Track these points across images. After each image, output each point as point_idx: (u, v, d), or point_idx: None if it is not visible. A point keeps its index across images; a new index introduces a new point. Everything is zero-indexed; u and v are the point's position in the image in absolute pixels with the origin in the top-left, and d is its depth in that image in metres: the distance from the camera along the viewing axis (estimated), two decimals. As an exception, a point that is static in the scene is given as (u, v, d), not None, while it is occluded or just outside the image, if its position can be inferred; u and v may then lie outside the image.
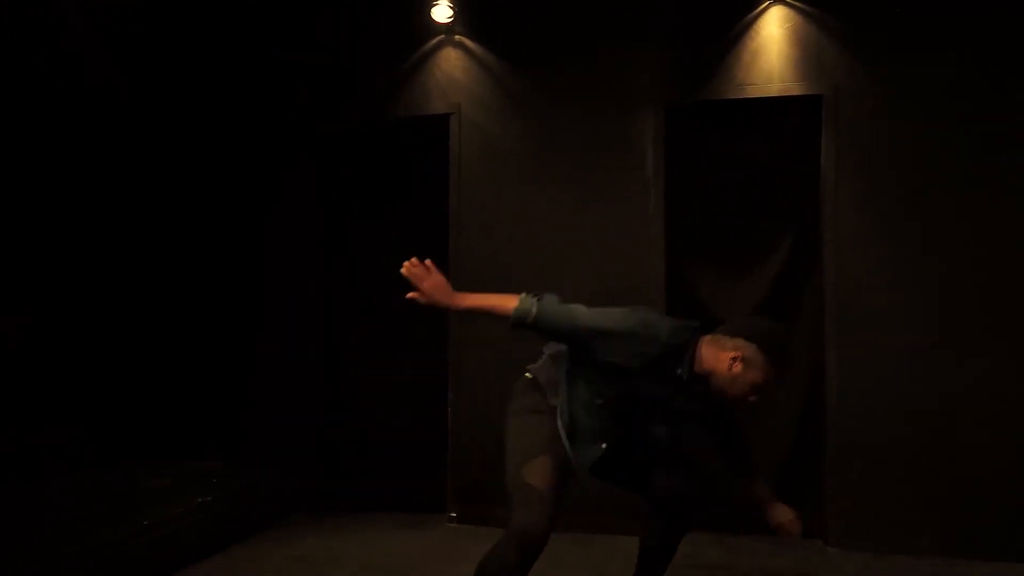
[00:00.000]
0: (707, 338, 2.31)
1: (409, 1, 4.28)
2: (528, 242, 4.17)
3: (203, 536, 3.64)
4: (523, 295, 2.31)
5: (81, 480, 3.91)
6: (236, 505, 3.96)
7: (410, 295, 2.39)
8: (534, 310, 2.27)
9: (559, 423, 2.42)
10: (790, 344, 2.39)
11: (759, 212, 4.02)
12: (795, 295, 3.99)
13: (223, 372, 4.64)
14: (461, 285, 4.19)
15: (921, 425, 3.67)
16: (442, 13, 4.22)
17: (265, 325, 4.58)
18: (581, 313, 2.31)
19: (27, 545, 2.96)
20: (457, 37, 4.29)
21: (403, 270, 2.40)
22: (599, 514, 3.94)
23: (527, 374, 2.60)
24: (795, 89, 3.84)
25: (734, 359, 2.23)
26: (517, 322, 2.29)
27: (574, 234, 4.12)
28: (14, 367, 4.06)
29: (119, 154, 4.65)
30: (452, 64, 4.31)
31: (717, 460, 2.61)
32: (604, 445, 2.45)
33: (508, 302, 2.32)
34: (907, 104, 3.71)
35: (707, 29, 3.94)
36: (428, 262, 2.42)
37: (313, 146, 4.61)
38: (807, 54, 3.83)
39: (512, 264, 4.16)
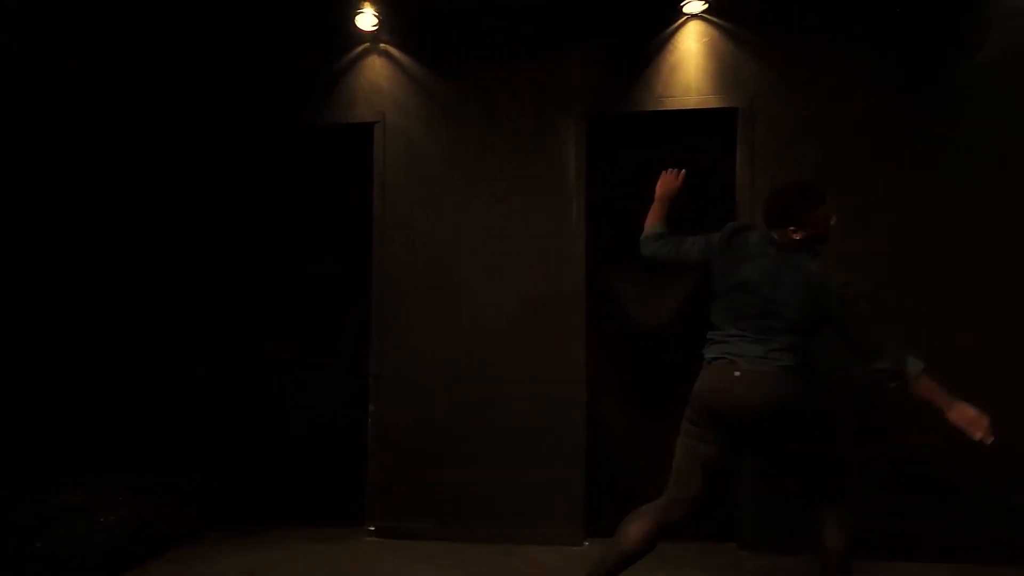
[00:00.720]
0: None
1: (334, 8, 4.25)
2: (452, 250, 4.15)
3: (110, 556, 3.50)
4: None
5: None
6: (148, 522, 3.82)
7: None
8: None
9: None
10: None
11: (681, 220, 4.06)
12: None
13: (142, 383, 4.49)
14: (384, 292, 4.25)
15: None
16: (367, 21, 4.19)
17: (184, 334, 4.45)
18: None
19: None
20: (382, 45, 4.27)
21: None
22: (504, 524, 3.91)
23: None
24: (712, 102, 3.92)
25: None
26: None
27: (498, 243, 4.11)
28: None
29: (34, 158, 4.48)
30: (377, 72, 4.28)
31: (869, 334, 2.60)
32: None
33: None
34: (820, 116, 3.82)
35: (628, 42, 4.00)
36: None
37: (236, 151, 4.52)
38: (724, 68, 3.92)
39: (435, 272, 4.14)
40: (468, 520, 4.05)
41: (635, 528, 2.82)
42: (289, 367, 4.51)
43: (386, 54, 4.28)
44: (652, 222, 3.19)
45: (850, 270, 3.74)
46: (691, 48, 3.94)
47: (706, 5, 3.87)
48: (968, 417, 2.44)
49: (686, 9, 3.89)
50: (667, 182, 3.23)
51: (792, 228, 2.65)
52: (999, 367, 3.62)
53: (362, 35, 4.26)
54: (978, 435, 2.42)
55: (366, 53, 4.30)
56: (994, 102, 3.70)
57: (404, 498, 4.09)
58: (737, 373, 2.63)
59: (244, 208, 4.53)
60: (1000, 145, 3.68)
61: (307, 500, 4.43)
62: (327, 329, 4.43)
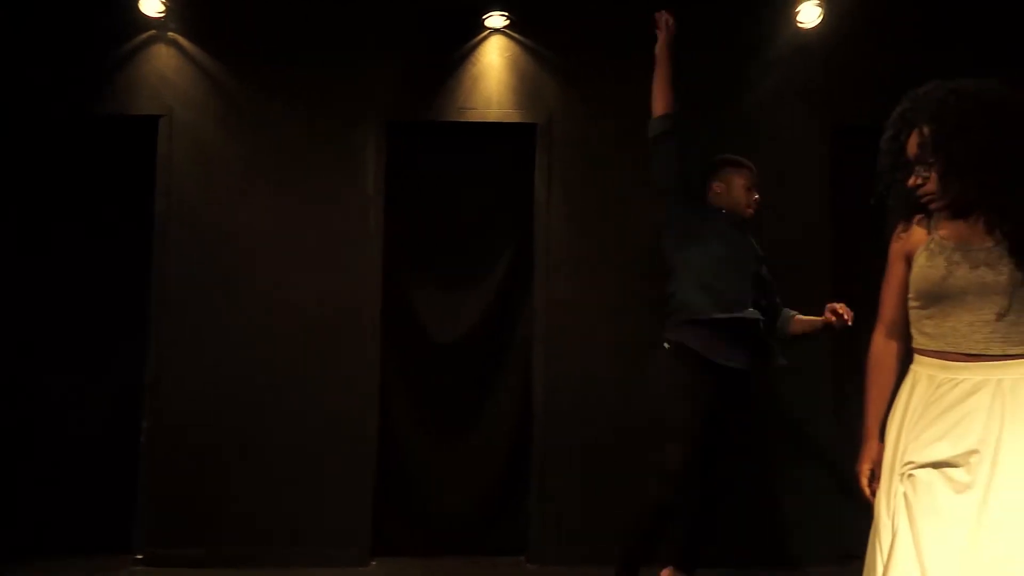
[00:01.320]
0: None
1: (116, -10, 3.92)
2: (242, 254, 3.91)
3: None
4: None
5: None
6: None
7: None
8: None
9: None
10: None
11: (480, 232, 4.07)
12: (513, 314, 4.06)
13: None
14: (164, 299, 3.93)
15: (625, 441, 3.83)
16: (151, 6, 3.89)
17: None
18: None
19: None
20: (170, 34, 3.99)
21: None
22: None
23: None
24: (513, 116, 3.95)
25: (717, 186, 3.15)
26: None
27: (293, 249, 3.92)
28: None
29: None
30: (164, 63, 3.99)
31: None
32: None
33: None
34: (617, 134, 3.91)
35: (432, 51, 3.96)
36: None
37: (7, 141, 4.06)
38: (524, 83, 3.97)
39: (223, 276, 3.89)
40: (247, 544, 3.79)
41: None
42: (60, 373, 4.06)
43: (175, 44, 3.99)
44: (664, 99, 3.28)
45: (638, 281, 3.88)
46: (493, 62, 3.96)
47: (508, 21, 3.90)
48: (832, 308, 2.87)
49: (488, 23, 3.91)
50: (664, 23, 3.31)
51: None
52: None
53: (147, 21, 3.94)
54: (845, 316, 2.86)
55: (152, 41, 3.99)
56: (772, 133, 3.95)
57: (177, 522, 3.77)
58: None
59: (19, 199, 4.08)
60: (780, 169, 3.89)
61: (73, 526, 3.99)
62: (103, 331, 4.05)
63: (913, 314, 1.96)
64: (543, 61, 3.96)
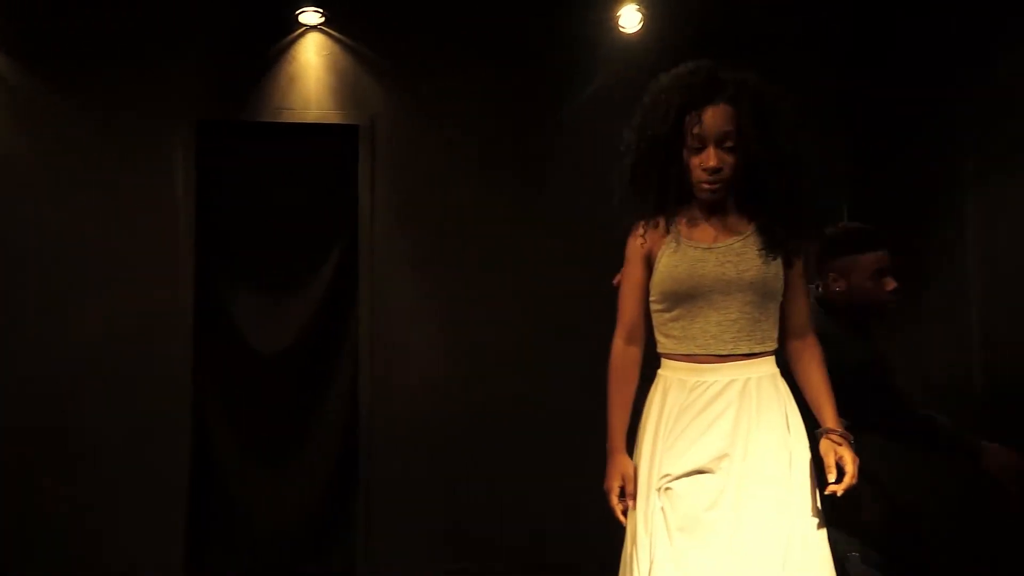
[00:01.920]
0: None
1: None
2: (43, 259, 3.63)
3: None
4: None
5: None
6: None
7: None
8: None
9: None
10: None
11: (305, 236, 3.92)
12: (342, 320, 3.91)
13: None
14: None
15: (453, 458, 3.75)
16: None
17: None
18: None
19: None
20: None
21: None
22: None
23: None
24: (332, 117, 3.83)
25: (835, 281, 2.40)
26: None
27: (102, 256, 3.68)
28: None
29: None
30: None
31: None
32: None
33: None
34: (438, 134, 3.86)
35: (245, 49, 3.79)
36: None
37: None
38: (344, 83, 3.85)
39: (27, 286, 3.61)
40: (50, 571, 3.52)
41: None
42: None
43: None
44: None
45: (466, 283, 3.82)
46: (311, 61, 3.83)
47: (323, 18, 3.78)
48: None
49: (302, 19, 3.77)
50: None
51: None
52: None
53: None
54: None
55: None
56: (599, 132, 3.94)
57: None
58: None
59: None
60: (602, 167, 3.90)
61: None
62: None
63: (657, 317, 1.88)
64: (364, 60, 3.86)
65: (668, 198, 1.85)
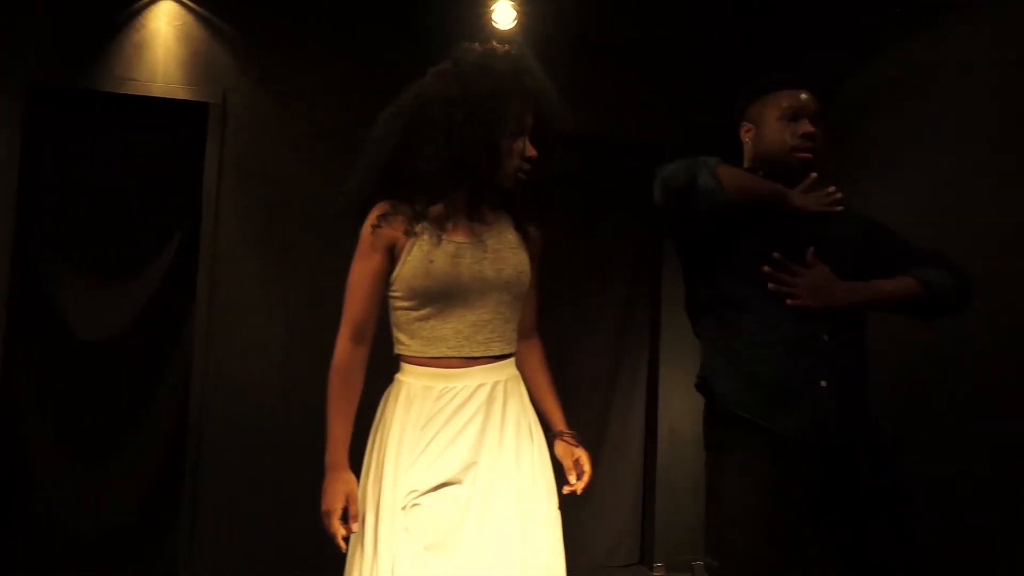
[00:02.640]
0: None
1: None
2: None
3: None
4: None
5: None
6: None
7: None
8: None
9: None
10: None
11: (144, 217, 3.65)
12: (181, 309, 3.65)
13: None
14: None
15: (288, 452, 3.52)
16: None
17: None
18: None
19: None
20: None
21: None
22: None
23: None
24: (181, 92, 3.58)
25: (747, 132, 1.98)
26: None
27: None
28: None
29: None
30: None
31: None
32: None
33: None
34: (294, 117, 3.67)
35: (86, 10, 3.52)
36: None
37: None
38: (197, 57, 3.61)
39: None
40: None
41: None
42: None
43: None
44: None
45: (312, 275, 3.63)
46: (160, 30, 3.58)
47: (176, -16, 3.56)
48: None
49: (154, -15, 3.54)
50: None
51: None
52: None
53: None
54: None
55: None
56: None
57: None
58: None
59: None
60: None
61: None
62: None
63: (401, 315, 1.71)
64: (219, 34, 3.63)
65: (447, 184, 1.67)
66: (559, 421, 1.79)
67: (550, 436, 1.76)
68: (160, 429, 3.60)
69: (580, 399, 4.01)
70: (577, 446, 1.76)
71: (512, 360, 1.74)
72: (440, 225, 1.67)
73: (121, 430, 3.57)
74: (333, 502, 1.63)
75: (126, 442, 3.58)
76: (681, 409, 4.02)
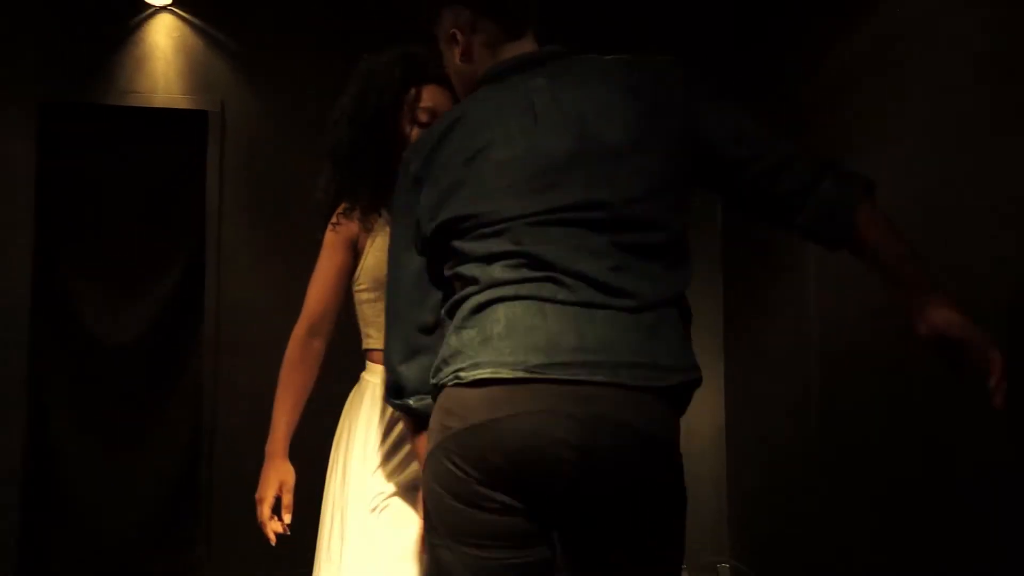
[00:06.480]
0: None
1: None
2: None
3: None
4: None
5: None
6: None
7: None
8: None
9: None
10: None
11: (153, 227, 3.77)
12: (191, 316, 3.76)
13: None
14: None
15: (302, 459, 3.56)
16: None
17: None
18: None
19: None
20: None
21: None
22: None
23: None
24: (181, 103, 3.67)
25: None
26: None
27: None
28: None
29: None
30: None
31: None
32: None
33: None
34: (292, 124, 3.67)
35: (90, 27, 3.62)
36: None
37: None
38: (195, 68, 3.68)
39: None
40: None
41: None
42: None
43: None
44: None
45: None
46: (159, 43, 3.66)
47: (172, -1, 3.61)
48: None
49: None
50: None
51: None
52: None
53: None
54: None
55: None
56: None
57: None
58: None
59: None
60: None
61: None
62: None
63: (368, 309, 1.72)
64: (216, 44, 3.68)
65: (378, 176, 1.70)
66: None
67: None
68: (178, 429, 3.73)
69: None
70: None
71: None
72: None
73: (144, 431, 3.73)
74: (265, 490, 1.69)
75: (148, 443, 3.73)
76: (699, 407, 3.84)
